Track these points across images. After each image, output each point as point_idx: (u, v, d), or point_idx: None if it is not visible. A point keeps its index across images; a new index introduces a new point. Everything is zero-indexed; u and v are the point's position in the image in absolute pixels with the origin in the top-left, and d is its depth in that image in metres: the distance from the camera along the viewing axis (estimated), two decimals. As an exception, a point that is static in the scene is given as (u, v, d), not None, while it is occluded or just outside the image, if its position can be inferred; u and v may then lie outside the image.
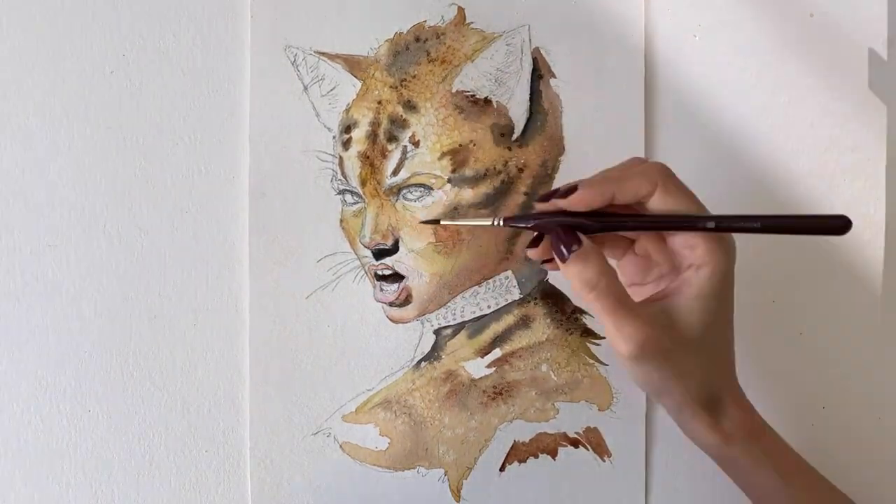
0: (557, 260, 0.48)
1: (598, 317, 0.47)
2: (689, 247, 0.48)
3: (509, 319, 0.60)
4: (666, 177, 0.47)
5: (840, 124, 0.61)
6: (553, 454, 0.60)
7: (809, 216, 0.48)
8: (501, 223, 0.50)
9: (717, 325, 0.48)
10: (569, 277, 0.47)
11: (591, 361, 0.60)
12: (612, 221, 0.48)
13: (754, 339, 0.60)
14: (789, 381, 0.60)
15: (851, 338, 0.61)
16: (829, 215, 0.46)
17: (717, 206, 0.61)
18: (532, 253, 0.50)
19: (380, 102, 0.59)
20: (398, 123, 0.58)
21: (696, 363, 0.48)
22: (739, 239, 0.60)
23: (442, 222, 0.55)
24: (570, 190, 0.47)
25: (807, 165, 0.61)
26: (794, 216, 0.48)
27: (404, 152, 0.58)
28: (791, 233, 0.48)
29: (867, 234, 0.61)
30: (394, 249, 0.59)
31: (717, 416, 0.49)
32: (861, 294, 0.61)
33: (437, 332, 0.60)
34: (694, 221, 0.47)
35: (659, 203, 0.47)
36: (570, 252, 0.47)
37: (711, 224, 0.47)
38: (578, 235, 0.47)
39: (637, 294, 0.51)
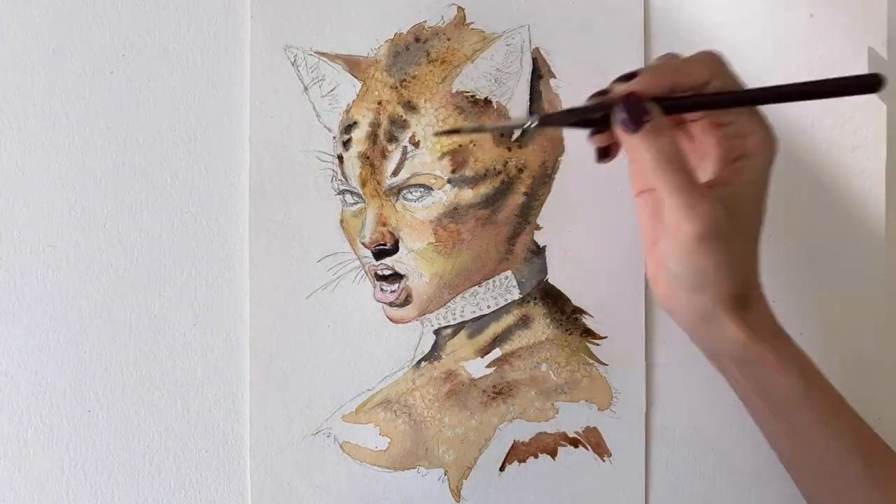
0: (624, 135, 0.46)
1: (668, 193, 0.46)
2: (741, 136, 0.48)
3: (509, 319, 0.60)
4: (721, 64, 0.48)
5: (840, 124, 0.61)
6: (553, 454, 0.60)
7: (839, 78, 0.48)
8: (537, 123, 0.50)
9: (761, 218, 0.49)
10: (640, 152, 0.46)
11: (591, 361, 0.60)
12: (670, 102, 0.47)
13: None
14: (789, 381, 0.60)
15: (851, 338, 0.61)
16: (859, 75, 0.48)
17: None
18: (597, 139, 0.49)
19: (380, 103, 0.59)
20: (398, 124, 0.58)
21: (745, 253, 0.48)
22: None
23: (462, 132, 0.56)
24: (631, 76, 0.47)
25: (807, 165, 0.61)
26: (822, 80, 0.48)
27: (404, 153, 0.58)
28: (824, 97, 0.49)
29: (867, 233, 0.61)
30: (394, 249, 0.59)
31: (748, 311, 0.48)
32: (861, 294, 0.61)
33: (437, 331, 0.60)
34: (745, 97, 0.48)
35: (717, 87, 0.48)
36: (641, 123, 0.46)
37: (752, 98, 0.48)
38: (647, 107, 0.46)
39: None
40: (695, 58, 0.48)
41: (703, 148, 0.51)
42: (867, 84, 0.47)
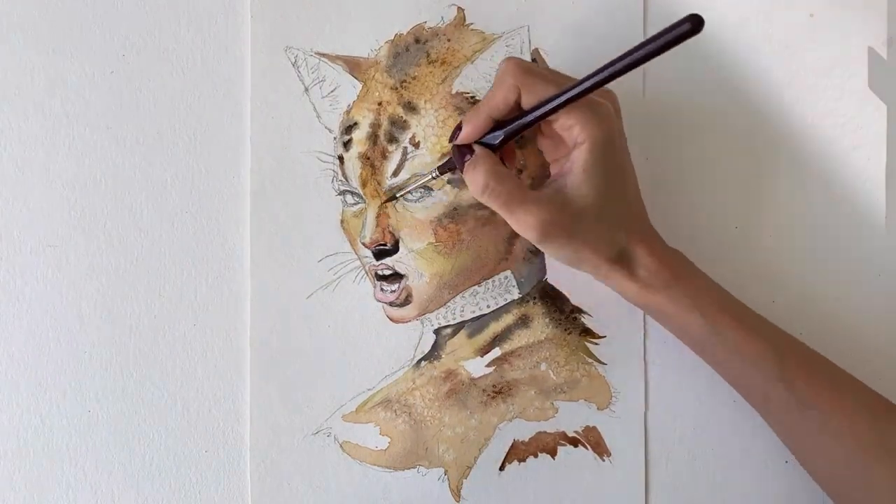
0: (462, 168, 0.53)
1: (498, 212, 0.52)
2: (567, 129, 0.52)
3: (508, 319, 0.60)
4: (523, 74, 0.51)
5: (840, 124, 0.61)
6: (553, 453, 0.60)
7: (652, 37, 0.45)
8: (437, 173, 0.56)
9: (612, 189, 0.52)
10: (468, 183, 0.53)
11: (590, 360, 0.60)
12: (501, 134, 0.53)
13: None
14: (788, 381, 0.60)
15: (851, 338, 0.61)
16: (673, 23, 0.45)
17: (716, 205, 0.61)
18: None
19: (380, 104, 0.59)
20: (398, 125, 0.58)
21: (599, 228, 0.52)
22: (741, 237, 0.60)
23: (398, 195, 0.58)
24: (458, 129, 0.53)
25: (807, 166, 0.61)
26: (636, 46, 0.47)
27: (404, 153, 0.58)
28: (644, 61, 0.47)
29: (868, 234, 0.61)
30: (394, 250, 0.59)
31: (632, 267, 0.54)
32: (861, 294, 0.61)
33: (436, 331, 0.60)
34: (554, 102, 0.50)
35: (528, 100, 0.52)
36: (464, 162, 0.53)
37: (563, 98, 0.50)
38: (472, 147, 0.53)
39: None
40: (496, 84, 0.52)
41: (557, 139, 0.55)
42: (685, 32, 0.44)
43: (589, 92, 0.49)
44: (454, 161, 0.54)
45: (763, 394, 0.54)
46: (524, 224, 0.51)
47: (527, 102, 0.52)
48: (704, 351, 0.55)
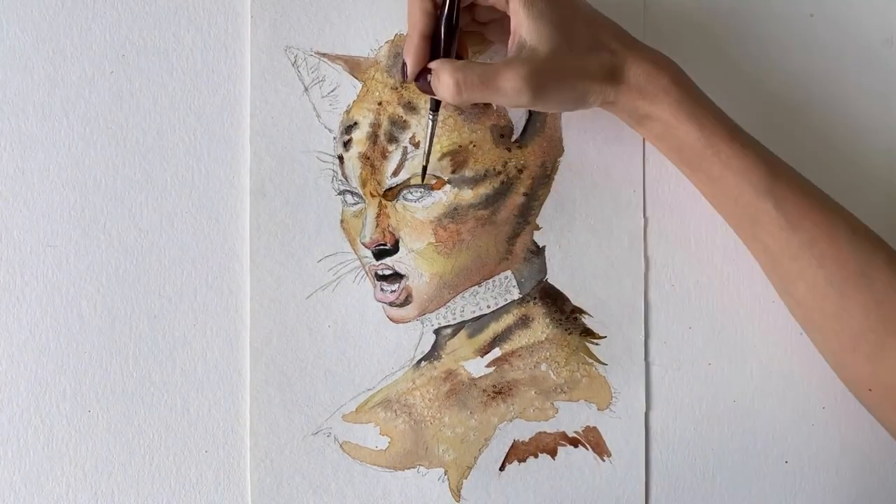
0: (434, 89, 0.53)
1: (485, 101, 0.53)
2: None
3: (509, 319, 0.60)
4: None
5: (840, 124, 0.61)
6: (553, 453, 0.60)
7: None
8: (432, 114, 0.56)
9: (567, 17, 0.52)
10: (442, 98, 0.53)
11: (590, 361, 0.60)
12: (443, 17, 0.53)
13: (754, 338, 0.60)
14: (789, 381, 0.60)
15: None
16: None
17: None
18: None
19: (380, 104, 0.59)
20: (398, 124, 0.58)
21: (578, 55, 0.52)
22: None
23: (425, 165, 0.57)
24: (404, 68, 0.54)
25: (807, 164, 0.61)
26: None
27: (404, 153, 0.58)
28: None
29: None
30: (394, 250, 0.59)
31: (627, 77, 0.53)
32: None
33: (436, 331, 0.60)
34: None
35: None
36: (427, 82, 0.53)
37: None
38: (419, 69, 0.53)
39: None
40: (408, 4, 0.53)
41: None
42: None
43: None
44: (427, 93, 0.54)
45: (752, 214, 0.54)
46: (512, 90, 0.51)
47: None
48: (699, 167, 0.55)
